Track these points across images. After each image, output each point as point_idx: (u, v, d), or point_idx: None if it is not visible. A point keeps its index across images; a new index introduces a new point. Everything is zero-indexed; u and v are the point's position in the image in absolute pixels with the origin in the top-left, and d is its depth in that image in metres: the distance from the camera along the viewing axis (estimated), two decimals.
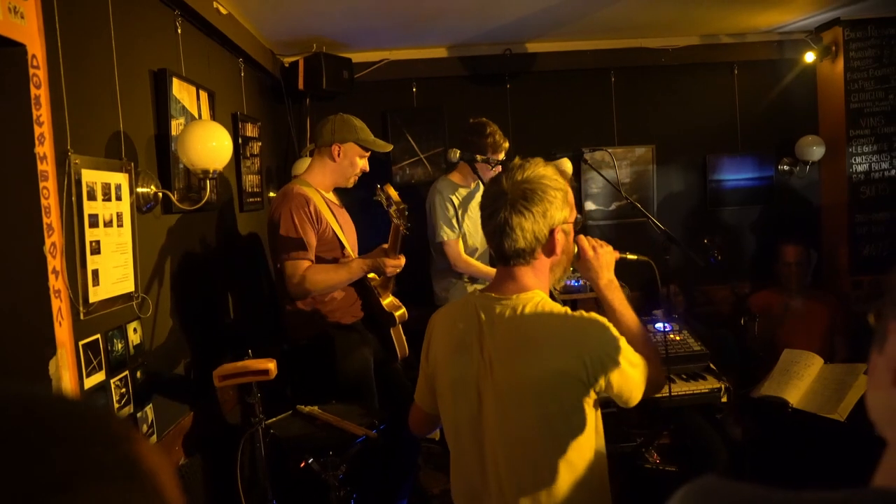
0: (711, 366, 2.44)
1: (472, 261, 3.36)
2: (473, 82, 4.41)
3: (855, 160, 4.30)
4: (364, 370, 2.78)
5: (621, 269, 1.77)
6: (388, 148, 2.95)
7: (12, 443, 0.40)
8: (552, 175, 1.53)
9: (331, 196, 2.91)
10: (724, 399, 2.30)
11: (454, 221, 3.34)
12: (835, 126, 4.37)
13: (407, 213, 2.58)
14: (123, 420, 0.49)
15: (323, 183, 2.85)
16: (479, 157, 3.05)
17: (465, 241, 3.40)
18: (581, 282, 3.10)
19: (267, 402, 2.33)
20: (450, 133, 4.36)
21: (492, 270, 3.28)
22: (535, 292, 1.54)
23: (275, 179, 3.97)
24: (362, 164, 2.86)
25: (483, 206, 1.57)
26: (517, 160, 1.56)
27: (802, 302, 3.84)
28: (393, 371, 2.96)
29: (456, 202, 3.36)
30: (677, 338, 2.54)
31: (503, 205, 1.50)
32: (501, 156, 3.31)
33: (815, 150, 4.32)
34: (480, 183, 3.26)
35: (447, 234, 3.32)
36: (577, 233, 1.65)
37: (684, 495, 0.59)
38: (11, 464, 0.39)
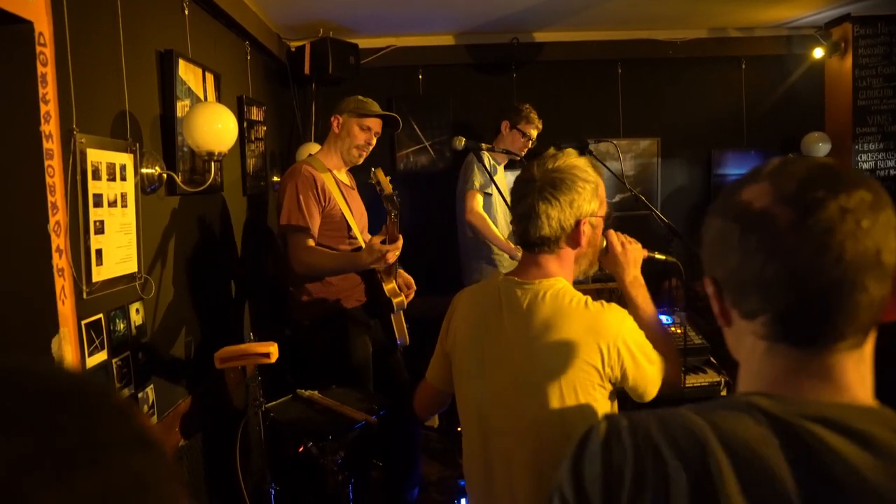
0: (712, 359, 2.45)
1: (487, 218, 3.40)
2: (480, 71, 4.39)
3: (861, 158, 4.29)
4: (363, 356, 2.79)
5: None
6: (387, 114, 2.88)
7: (33, 418, 0.41)
8: (584, 166, 1.54)
9: (342, 176, 2.91)
10: (723, 392, 2.31)
11: (483, 181, 3.42)
12: (841, 123, 4.35)
13: (396, 199, 2.56)
14: (123, 394, 0.52)
15: (332, 160, 2.85)
16: (483, 146, 3.04)
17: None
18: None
19: (269, 385, 2.33)
20: (455, 121, 4.35)
21: (503, 239, 3.33)
22: (558, 279, 1.55)
23: (279, 164, 3.97)
24: (364, 136, 2.82)
25: (513, 191, 1.59)
26: (552, 150, 1.58)
27: None
28: (394, 361, 2.96)
29: (491, 170, 3.38)
30: (678, 331, 2.54)
31: (531, 190, 1.52)
32: (534, 133, 3.49)
33: (820, 147, 4.30)
34: (484, 170, 3.27)
35: (473, 185, 3.41)
36: (606, 227, 1.65)
37: (591, 432, 0.77)
38: (38, 438, 0.39)
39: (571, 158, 1.54)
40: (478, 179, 3.42)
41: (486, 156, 3.37)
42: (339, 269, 2.74)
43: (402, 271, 2.94)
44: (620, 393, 1.57)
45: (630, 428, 0.75)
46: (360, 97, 2.86)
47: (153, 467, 0.44)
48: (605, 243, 1.69)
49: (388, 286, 2.82)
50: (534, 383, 1.48)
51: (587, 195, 1.52)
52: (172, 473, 0.47)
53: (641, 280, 1.72)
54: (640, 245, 1.75)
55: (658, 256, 1.84)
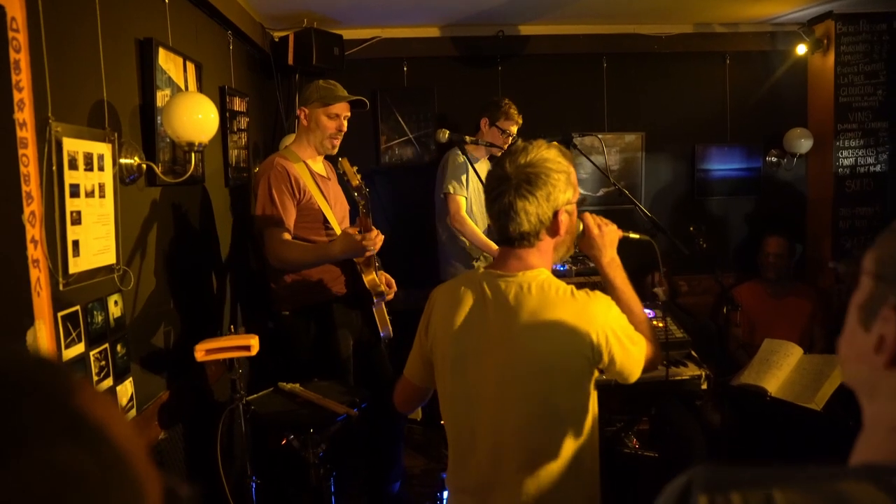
0: (693, 353, 2.47)
1: (470, 222, 3.39)
2: (465, 63, 4.37)
3: (842, 154, 4.33)
4: (344, 348, 2.77)
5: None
6: (351, 98, 2.83)
7: None
8: (555, 157, 1.54)
9: (318, 167, 2.89)
10: (704, 386, 2.32)
11: (463, 179, 3.37)
12: (823, 119, 4.39)
13: (365, 190, 2.55)
14: (64, 369, 0.45)
15: (306, 151, 2.85)
16: (467, 139, 3.03)
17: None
18: (566, 266, 3.11)
19: (250, 378, 2.32)
20: (440, 113, 4.33)
21: (488, 241, 3.32)
22: (541, 270, 1.56)
23: (262, 155, 3.93)
24: (333, 124, 2.80)
25: (487, 189, 1.59)
26: (520, 143, 1.58)
27: (784, 293, 3.88)
28: (377, 354, 2.95)
29: (468, 166, 3.36)
30: (660, 325, 2.55)
31: (507, 189, 1.52)
32: (513, 129, 3.46)
33: (802, 143, 4.34)
34: (470, 164, 3.26)
35: (454, 188, 3.38)
36: (579, 210, 1.67)
37: (686, 484, 0.54)
38: None
39: (542, 151, 1.53)
40: (456, 182, 3.39)
41: (469, 150, 3.36)
42: (314, 261, 2.72)
43: (382, 272, 2.92)
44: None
45: None
46: (321, 83, 2.81)
47: (86, 457, 0.40)
48: (581, 227, 1.71)
49: (368, 277, 2.80)
50: (524, 374, 1.49)
51: (561, 186, 1.53)
52: (115, 460, 0.42)
53: (618, 261, 1.74)
54: (615, 226, 1.77)
55: (633, 236, 1.87)
